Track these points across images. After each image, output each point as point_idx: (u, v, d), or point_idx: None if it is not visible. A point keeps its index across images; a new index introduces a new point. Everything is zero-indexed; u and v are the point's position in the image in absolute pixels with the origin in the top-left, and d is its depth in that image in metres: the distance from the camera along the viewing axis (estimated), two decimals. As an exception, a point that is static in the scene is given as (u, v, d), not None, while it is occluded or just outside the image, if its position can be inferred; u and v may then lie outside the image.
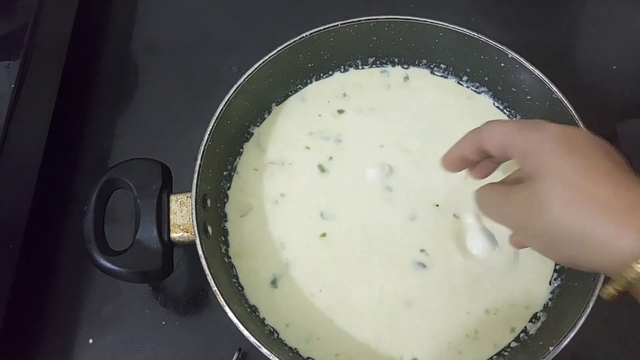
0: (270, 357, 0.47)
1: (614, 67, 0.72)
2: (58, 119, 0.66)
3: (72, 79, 0.70)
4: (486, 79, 0.63)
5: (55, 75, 0.68)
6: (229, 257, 0.56)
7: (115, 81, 0.75)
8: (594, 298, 0.48)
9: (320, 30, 0.60)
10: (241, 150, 0.61)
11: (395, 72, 0.66)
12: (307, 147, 0.61)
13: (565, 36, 0.76)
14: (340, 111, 0.63)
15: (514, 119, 0.62)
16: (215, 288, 0.49)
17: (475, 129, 0.45)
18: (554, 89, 0.56)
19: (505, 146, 0.42)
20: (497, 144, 0.42)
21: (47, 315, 0.59)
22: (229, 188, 0.60)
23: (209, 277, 0.49)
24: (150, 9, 0.79)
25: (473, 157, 0.45)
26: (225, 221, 0.58)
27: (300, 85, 0.65)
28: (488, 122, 0.44)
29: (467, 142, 0.45)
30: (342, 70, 0.65)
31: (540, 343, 0.50)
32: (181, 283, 0.61)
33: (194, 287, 0.61)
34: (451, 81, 0.65)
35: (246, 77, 0.58)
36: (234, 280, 0.55)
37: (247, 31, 0.76)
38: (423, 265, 0.55)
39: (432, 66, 0.65)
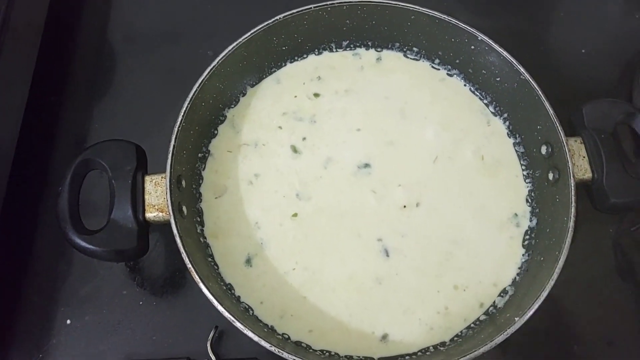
0: (245, 332, 0.48)
1: (583, 50, 0.73)
2: (34, 104, 0.66)
3: (48, 64, 0.70)
4: (457, 61, 0.64)
5: (29, 60, 0.68)
6: (205, 237, 0.57)
7: (92, 66, 0.74)
8: (558, 270, 0.50)
9: (294, 13, 0.61)
10: (216, 132, 0.62)
11: (368, 55, 0.67)
12: (280, 127, 0.62)
13: (537, 22, 0.77)
14: (316, 94, 0.64)
15: (484, 100, 0.64)
16: (190, 266, 0.49)
17: None
18: (522, 70, 0.58)
19: None
20: None
21: (25, 296, 0.60)
22: (203, 169, 0.60)
23: (184, 255, 0.50)
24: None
25: None
26: (200, 202, 0.59)
27: (274, 68, 0.65)
28: None
29: None
30: (317, 53, 0.66)
31: (507, 315, 0.52)
32: (158, 264, 0.62)
33: (170, 267, 0.62)
34: (424, 64, 0.66)
35: (219, 60, 0.58)
36: (210, 259, 0.56)
37: (223, 16, 0.76)
38: (393, 244, 0.56)
39: (404, 49, 0.66)
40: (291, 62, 0.66)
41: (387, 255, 0.56)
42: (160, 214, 0.53)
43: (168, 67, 0.73)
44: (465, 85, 0.65)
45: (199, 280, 0.49)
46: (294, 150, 0.61)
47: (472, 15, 0.76)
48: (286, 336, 0.53)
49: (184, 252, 0.50)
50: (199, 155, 0.60)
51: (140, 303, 0.60)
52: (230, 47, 0.59)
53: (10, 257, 0.61)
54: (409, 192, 0.59)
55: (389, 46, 0.66)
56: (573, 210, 0.52)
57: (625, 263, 0.63)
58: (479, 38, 0.60)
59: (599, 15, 0.77)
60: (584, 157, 0.55)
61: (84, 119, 0.69)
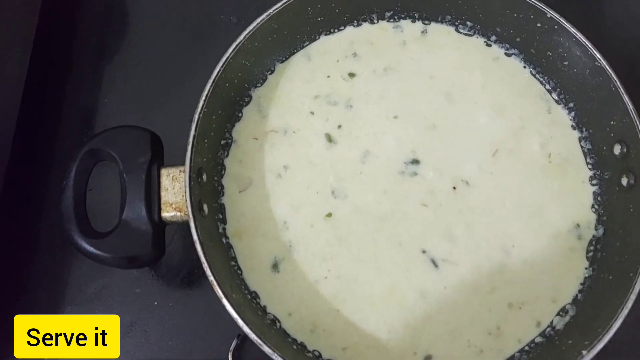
0: (273, 357, 0.42)
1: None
2: (35, 72, 0.59)
3: (51, 26, 0.63)
4: (518, 40, 0.56)
5: (30, 21, 0.60)
6: (227, 237, 0.51)
7: (100, 29, 0.67)
8: (633, 296, 0.43)
9: (332, -21, 0.53)
10: (240, 115, 0.55)
11: (412, 27, 0.58)
12: (312, 112, 0.55)
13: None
14: (352, 74, 0.56)
15: (546, 85, 0.56)
16: (212, 278, 0.44)
17: None
18: (598, 55, 0.50)
19: None
20: None
21: (29, 294, 0.55)
22: (226, 157, 0.53)
23: (205, 266, 0.44)
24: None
25: None
26: (222, 196, 0.52)
27: (307, 42, 0.57)
28: None
29: None
30: (356, 24, 0.58)
31: (570, 342, 0.46)
32: (175, 260, 0.56)
33: (189, 264, 0.56)
34: (478, 40, 0.58)
35: (247, 34, 0.51)
36: (233, 262, 0.50)
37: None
38: (441, 254, 0.50)
39: (457, 23, 0.58)
40: (326, 35, 0.58)
41: (436, 266, 0.49)
42: (178, 213, 0.47)
43: (187, 32, 0.66)
44: (525, 67, 0.57)
45: (222, 296, 0.43)
46: (329, 139, 0.54)
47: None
48: (317, 353, 0.48)
49: (205, 261, 0.44)
50: (222, 142, 0.53)
51: (156, 303, 0.54)
52: (259, 19, 0.52)
53: (14, 251, 0.55)
54: (463, 193, 0.52)
55: (439, 19, 0.58)
56: (654, 225, 0.45)
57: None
58: (548, 15, 0.52)
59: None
60: (666, 161, 0.48)
61: (92, 92, 0.62)
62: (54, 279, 0.55)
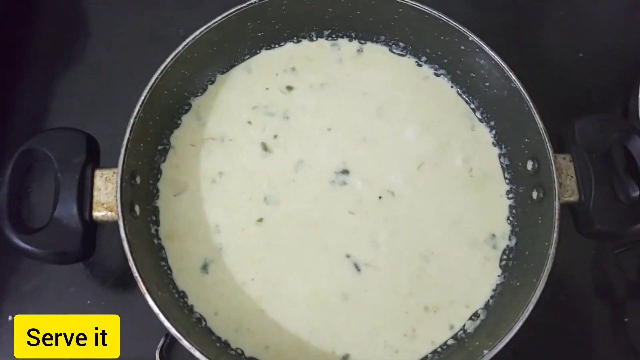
0: (192, 351, 0.44)
1: (581, 54, 0.69)
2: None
3: (5, 26, 0.65)
4: (445, 61, 0.59)
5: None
6: (159, 238, 0.53)
7: (55, 34, 0.69)
8: (534, 300, 0.46)
9: (271, -3, 0.56)
10: (179, 122, 0.57)
11: (349, 46, 0.62)
12: (249, 122, 0.57)
13: (532, 18, 0.72)
14: (290, 88, 0.59)
15: (471, 105, 0.59)
16: (136, 274, 0.45)
17: None
18: (513, 77, 0.53)
19: None
20: None
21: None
22: (163, 161, 0.55)
23: (131, 263, 0.46)
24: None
25: None
26: (157, 199, 0.54)
27: (248, 55, 0.60)
28: None
29: None
30: (295, 41, 0.61)
31: (477, 343, 0.48)
32: (111, 260, 0.57)
33: (124, 264, 0.55)
34: (410, 60, 0.61)
35: (185, 45, 0.53)
36: (163, 263, 0.52)
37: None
38: (364, 258, 0.52)
39: (390, 43, 0.61)
40: (267, 50, 0.60)
41: (358, 270, 0.52)
42: (110, 213, 0.49)
43: (138, 41, 0.67)
44: (452, 87, 0.60)
45: (145, 291, 0.45)
46: (264, 148, 0.56)
47: (465, 7, 0.70)
48: (240, 351, 0.50)
49: (130, 258, 0.46)
50: (159, 147, 0.55)
51: (88, 302, 0.56)
52: (198, 32, 0.54)
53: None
54: (388, 203, 0.54)
55: (374, 39, 0.61)
56: (555, 236, 0.48)
57: (605, 285, 0.60)
58: (470, 39, 0.55)
59: (599, 15, 0.73)
60: (571, 177, 0.51)
61: (39, 98, 0.64)
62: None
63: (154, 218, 0.53)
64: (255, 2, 0.55)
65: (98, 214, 0.48)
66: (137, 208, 0.50)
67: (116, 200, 0.48)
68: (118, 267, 0.57)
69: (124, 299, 0.56)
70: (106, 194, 0.49)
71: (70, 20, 0.70)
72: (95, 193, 0.49)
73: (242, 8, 0.55)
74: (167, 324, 0.44)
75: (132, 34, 0.68)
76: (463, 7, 0.70)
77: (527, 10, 0.72)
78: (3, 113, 0.63)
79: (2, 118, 0.63)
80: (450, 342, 0.51)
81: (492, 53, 0.55)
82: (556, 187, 0.50)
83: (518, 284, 0.50)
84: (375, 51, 0.61)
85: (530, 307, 0.46)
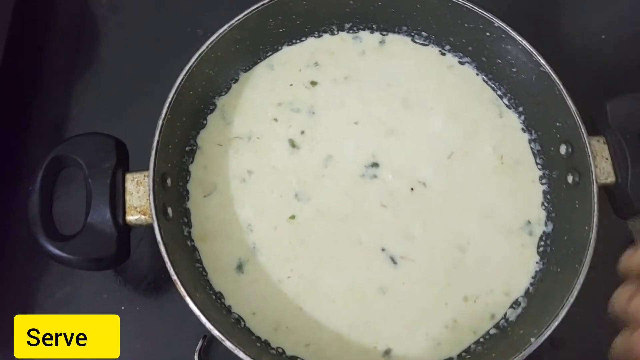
0: (235, 352, 0.44)
1: (603, 36, 0.68)
2: (5, 83, 0.60)
3: (22, 36, 0.64)
4: (470, 48, 0.59)
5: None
6: (192, 240, 0.52)
7: (71, 41, 0.68)
8: (578, 286, 0.46)
9: (292, -9, 0.55)
10: (204, 122, 0.56)
11: (371, 38, 0.61)
12: (275, 119, 0.57)
13: (550, 3, 0.71)
14: (314, 83, 0.58)
15: (497, 91, 0.59)
16: (175, 277, 0.45)
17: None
18: (542, 61, 0.53)
19: None
20: None
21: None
22: (191, 163, 0.55)
23: (168, 265, 0.45)
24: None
25: None
26: (187, 200, 0.54)
27: (270, 52, 0.60)
28: None
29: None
30: (317, 35, 0.60)
31: (521, 332, 0.48)
32: (142, 264, 0.57)
33: (156, 268, 0.57)
34: (433, 50, 0.60)
35: (209, 44, 0.53)
36: (198, 265, 0.51)
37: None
38: (399, 252, 0.52)
39: (412, 34, 0.60)
40: (289, 45, 0.60)
41: (395, 263, 0.51)
42: (143, 217, 0.48)
43: (156, 44, 0.67)
44: (477, 74, 0.59)
45: (185, 294, 0.45)
46: (292, 145, 0.56)
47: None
48: (280, 350, 0.49)
49: (168, 261, 0.45)
50: (186, 148, 0.55)
51: (123, 308, 0.55)
52: (221, 30, 0.53)
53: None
54: (420, 194, 0.54)
55: (396, 30, 0.61)
56: (595, 219, 0.47)
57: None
58: (496, 24, 0.55)
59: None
60: (607, 159, 0.51)
61: (61, 103, 0.64)
62: (22, 286, 0.56)
63: (185, 220, 0.53)
64: (276, -2, 0.55)
65: (131, 217, 0.48)
66: (169, 210, 0.50)
67: (149, 203, 0.47)
68: (149, 271, 0.57)
69: (158, 303, 0.56)
70: (138, 197, 0.48)
71: (84, 26, 0.70)
72: (127, 197, 0.48)
73: (264, 4, 0.55)
74: (208, 325, 0.44)
75: (149, 36, 0.68)
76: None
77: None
78: (25, 122, 0.63)
79: (24, 127, 0.62)
80: (492, 331, 0.50)
81: (519, 38, 0.54)
82: (593, 169, 0.49)
83: (559, 269, 0.50)
84: (398, 42, 0.61)
85: (575, 292, 0.45)
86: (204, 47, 0.53)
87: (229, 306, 0.50)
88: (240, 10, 0.55)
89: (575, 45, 0.66)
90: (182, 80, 0.51)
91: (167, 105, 0.50)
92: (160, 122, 0.49)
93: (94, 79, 0.66)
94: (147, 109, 0.59)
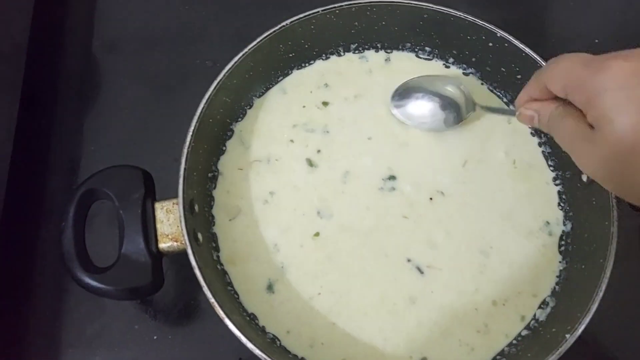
0: (277, 368, 0.44)
1: (596, 40, 0.71)
2: (22, 128, 0.62)
3: (34, 84, 0.66)
4: (474, 59, 0.61)
5: (15, 81, 0.63)
6: (221, 264, 0.53)
7: (79, 84, 0.70)
8: (605, 280, 0.47)
9: (301, 18, 0.57)
10: (224, 148, 0.58)
11: (376, 57, 0.63)
12: (292, 140, 0.58)
13: (542, 12, 0.74)
14: (325, 103, 0.60)
15: (504, 99, 0.61)
16: (212, 300, 0.45)
17: (541, 68, 0.44)
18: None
19: (567, 89, 0.40)
20: (559, 88, 0.41)
21: (26, 339, 0.55)
22: (214, 188, 0.56)
23: (205, 289, 0.46)
24: (109, 2, 0.74)
25: (541, 96, 0.44)
26: (214, 225, 0.54)
27: (281, 76, 0.61)
28: (553, 58, 0.42)
29: (533, 84, 0.44)
30: (324, 58, 0.62)
31: (553, 330, 0.49)
32: (170, 293, 0.57)
33: (184, 296, 0.57)
34: (437, 63, 0.62)
35: (226, 72, 0.54)
36: (229, 288, 0.52)
37: (216, 23, 0.72)
38: (425, 262, 0.53)
39: (416, 49, 0.63)
40: (298, 69, 0.62)
41: (421, 273, 0.52)
42: (175, 243, 0.49)
43: (160, 80, 0.69)
44: (482, 83, 0.61)
45: (223, 316, 0.45)
46: (310, 164, 0.57)
47: (474, 9, 0.72)
48: (318, 366, 0.50)
49: (204, 284, 0.46)
50: (209, 175, 0.56)
51: (155, 338, 0.56)
52: (237, 57, 0.55)
53: (8, 296, 0.56)
54: (439, 203, 0.55)
55: (400, 47, 0.63)
56: (615, 213, 0.49)
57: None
58: (498, 35, 0.57)
59: (604, 2, 0.75)
60: (618, 155, 0.52)
61: (76, 142, 0.65)
62: (51, 324, 0.56)
63: (213, 244, 0.54)
64: (286, 25, 0.57)
65: (164, 245, 0.49)
66: (199, 235, 0.51)
67: (181, 229, 0.48)
68: (178, 299, 0.57)
69: (190, 330, 0.56)
70: (169, 225, 0.49)
71: (94, 66, 0.71)
72: (158, 225, 0.49)
73: (274, 31, 0.57)
74: (249, 345, 0.44)
75: (157, 72, 0.69)
76: (472, 9, 0.71)
77: (536, 5, 0.74)
78: (44, 163, 0.63)
79: (42, 165, 0.63)
80: (524, 332, 0.51)
81: (522, 46, 0.56)
82: (606, 167, 0.50)
83: (583, 266, 0.51)
84: (403, 58, 0.63)
85: (603, 286, 0.47)
86: (221, 76, 0.54)
87: (263, 326, 0.51)
88: (243, 40, 0.56)
89: (569, 51, 0.68)
90: (203, 108, 0.52)
91: (190, 132, 0.51)
92: (185, 150, 0.51)
93: (105, 116, 0.66)
94: (162, 141, 0.61)
